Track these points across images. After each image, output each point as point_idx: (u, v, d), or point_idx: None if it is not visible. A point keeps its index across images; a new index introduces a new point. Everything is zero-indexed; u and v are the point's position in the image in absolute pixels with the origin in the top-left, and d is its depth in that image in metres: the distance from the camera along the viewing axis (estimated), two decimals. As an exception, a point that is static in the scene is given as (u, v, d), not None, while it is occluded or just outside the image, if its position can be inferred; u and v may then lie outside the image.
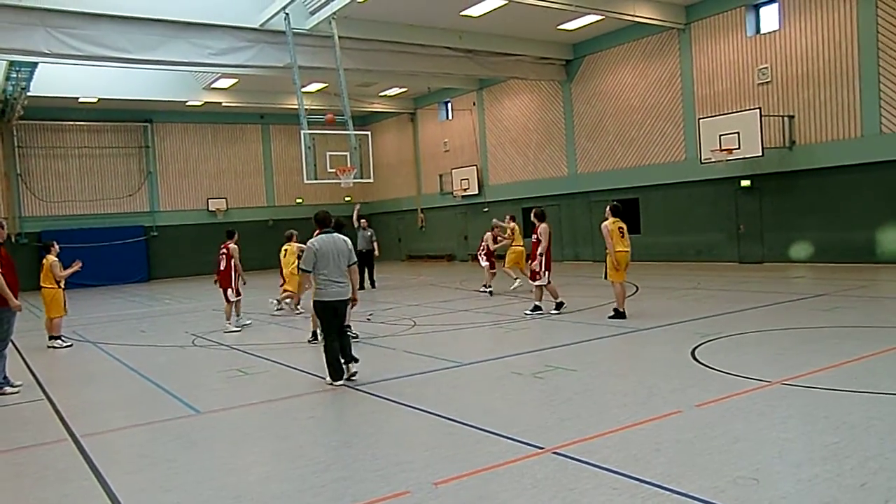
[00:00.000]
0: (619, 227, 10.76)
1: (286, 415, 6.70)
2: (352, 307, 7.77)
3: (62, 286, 11.51)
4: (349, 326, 7.90)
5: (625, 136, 22.65)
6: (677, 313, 11.13)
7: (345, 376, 7.52)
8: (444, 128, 31.04)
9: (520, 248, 15.86)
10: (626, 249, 10.74)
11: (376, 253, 19.43)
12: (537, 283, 11.97)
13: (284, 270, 14.26)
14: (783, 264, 18.26)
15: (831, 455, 4.53)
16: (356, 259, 7.76)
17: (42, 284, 11.46)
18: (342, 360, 7.54)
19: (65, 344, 11.55)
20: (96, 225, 28.61)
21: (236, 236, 12.98)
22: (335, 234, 7.64)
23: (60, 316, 11.54)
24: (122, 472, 5.19)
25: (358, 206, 17.94)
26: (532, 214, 12.24)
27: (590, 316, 11.55)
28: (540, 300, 12.09)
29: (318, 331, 9.26)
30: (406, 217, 33.60)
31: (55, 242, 11.77)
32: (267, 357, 9.59)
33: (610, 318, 10.85)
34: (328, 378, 7.52)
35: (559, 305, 12.07)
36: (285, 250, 14.25)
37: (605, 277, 10.88)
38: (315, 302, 7.64)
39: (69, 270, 11.38)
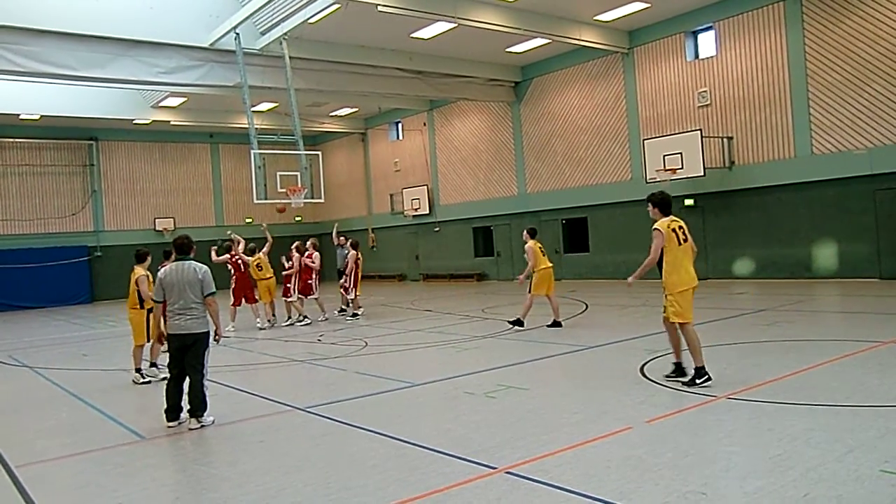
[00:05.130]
0: (541, 248, 12.36)
1: (235, 439, 6.56)
2: (217, 341, 7.11)
3: (145, 307, 9.43)
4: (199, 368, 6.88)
5: (572, 157, 23.07)
6: (626, 330, 11.34)
7: (183, 422, 6.90)
8: (394, 148, 31.09)
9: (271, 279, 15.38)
10: (548, 266, 12.42)
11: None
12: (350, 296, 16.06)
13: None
14: (726, 280, 18.78)
15: (775, 467, 4.67)
16: (213, 289, 6.97)
17: (129, 306, 9.64)
18: (184, 408, 6.91)
19: (142, 380, 9.49)
20: (37, 245, 27.66)
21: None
22: (186, 262, 6.99)
23: (141, 345, 9.63)
24: (62, 504, 5.00)
25: (337, 225, 18.94)
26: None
27: (541, 334, 11.67)
28: (357, 309, 16.22)
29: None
30: (357, 237, 33.41)
31: (148, 250, 9.69)
32: (214, 380, 9.36)
33: (510, 322, 12.51)
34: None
35: (351, 313, 16.10)
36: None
37: (530, 291, 12.25)
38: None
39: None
